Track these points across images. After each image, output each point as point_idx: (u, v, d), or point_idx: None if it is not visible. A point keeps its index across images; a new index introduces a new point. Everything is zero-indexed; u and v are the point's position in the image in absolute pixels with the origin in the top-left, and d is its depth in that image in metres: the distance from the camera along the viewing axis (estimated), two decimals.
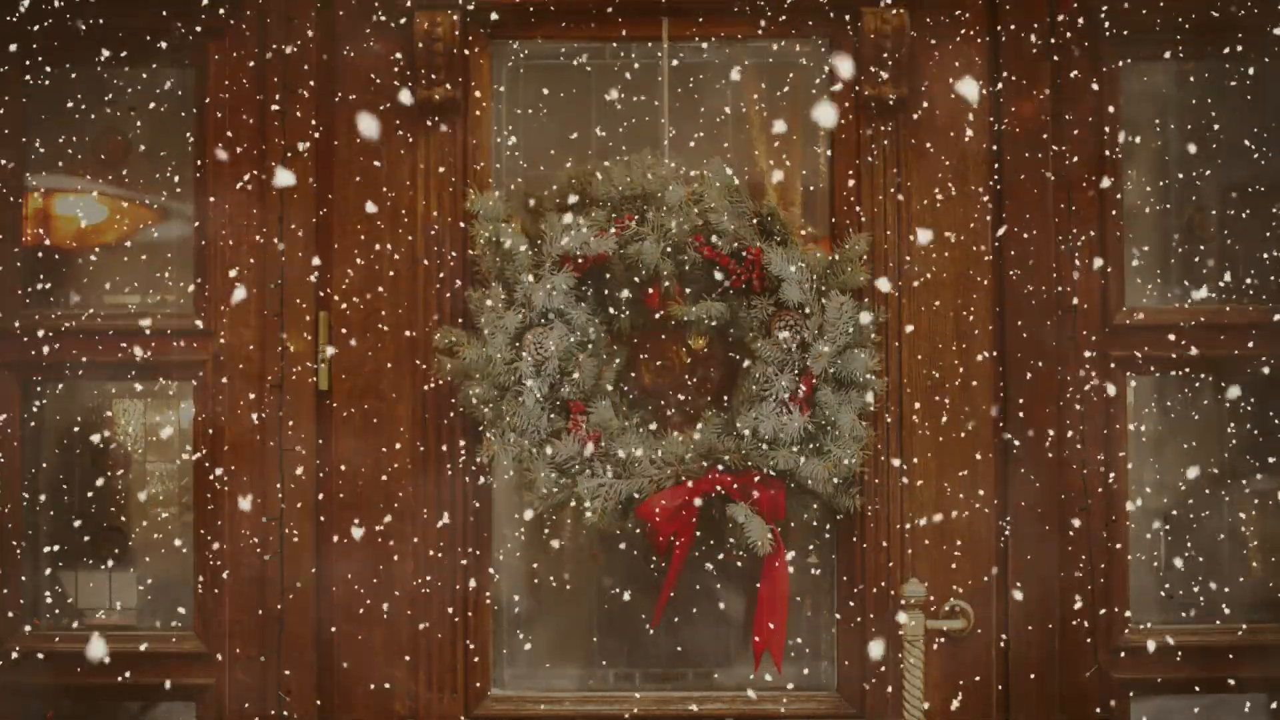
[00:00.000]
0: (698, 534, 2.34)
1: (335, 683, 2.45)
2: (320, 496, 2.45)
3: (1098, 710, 2.43)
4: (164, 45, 2.48)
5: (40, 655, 2.46)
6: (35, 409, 2.53)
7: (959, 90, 2.46)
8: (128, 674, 2.44)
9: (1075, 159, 2.46)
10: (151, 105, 2.54)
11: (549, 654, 2.53)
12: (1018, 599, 2.41)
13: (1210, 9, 2.46)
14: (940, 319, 2.45)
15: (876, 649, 2.42)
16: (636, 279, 2.35)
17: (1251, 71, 2.52)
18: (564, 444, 2.30)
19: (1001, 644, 2.43)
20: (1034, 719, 2.42)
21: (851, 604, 2.45)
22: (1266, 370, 2.47)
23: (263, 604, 2.43)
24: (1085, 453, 2.44)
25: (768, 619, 2.33)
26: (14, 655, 2.46)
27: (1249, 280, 2.53)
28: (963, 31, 2.47)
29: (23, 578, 2.49)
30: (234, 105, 2.47)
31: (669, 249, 2.32)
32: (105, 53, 2.48)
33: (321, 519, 2.45)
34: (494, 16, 2.48)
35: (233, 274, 2.47)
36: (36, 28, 2.47)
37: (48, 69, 2.51)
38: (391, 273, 2.46)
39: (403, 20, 2.46)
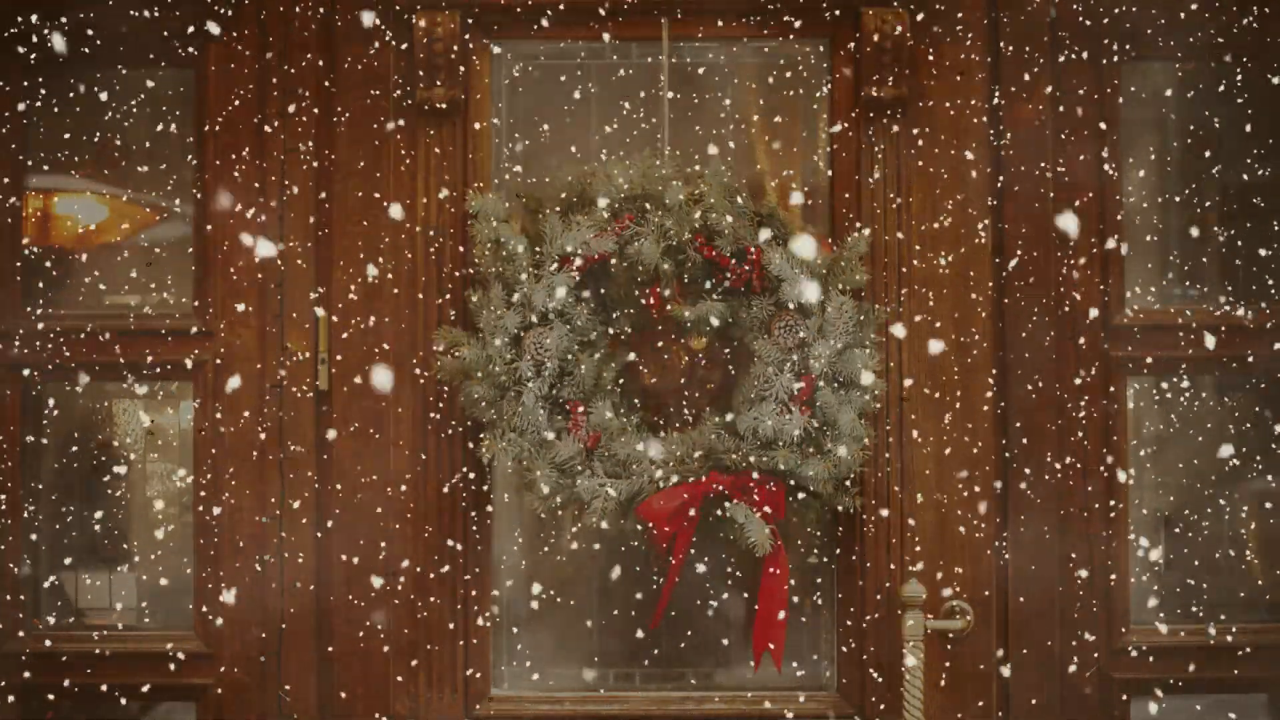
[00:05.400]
0: (697, 535, 2.34)
1: (335, 683, 2.45)
2: (320, 497, 2.45)
3: (1098, 710, 2.43)
4: (164, 46, 2.48)
5: (40, 655, 2.46)
6: (35, 410, 2.53)
7: (959, 91, 2.46)
8: (128, 674, 2.44)
9: (1076, 159, 2.46)
10: (151, 106, 2.54)
11: (549, 654, 2.53)
12: (1018, 599, 2.41)
13: (1210, 12, 2.47)
14: (940, 318, 2.45)
15: (876, 649, 2.42)
16: (636, 279, 2.35)
17: (1252, 74, 2.52)
18: (564, 444, 2.30)
19: (1001, 644, 2.43)
20: (1034, 719, 2.42)
21: (851, 604, 2.45)
22: (1267, 371, 2.48)
23: (263, 604, 2.43)
24: (1086, 453, 2.44)
25: (768, 619, 2.33)
26: (14, 655, 2.46)
27: (1249, 282, 2.53)
28: (963, 33, 2.47)
29: (23, 578, 2.49)
30: (233, 106, 2.47)
31: (669, 249, 2.32)
32: (106, 53, 2.48)
33: (321, 519, 2.45)
34: (494, 17, 2.48)
35: (233, 275, 2.47)
36: (37, 28, 2.47)
37: (48, 69, 2.51)
38: (391, 273, 2.46)
39: (403, 22, 2.46)
